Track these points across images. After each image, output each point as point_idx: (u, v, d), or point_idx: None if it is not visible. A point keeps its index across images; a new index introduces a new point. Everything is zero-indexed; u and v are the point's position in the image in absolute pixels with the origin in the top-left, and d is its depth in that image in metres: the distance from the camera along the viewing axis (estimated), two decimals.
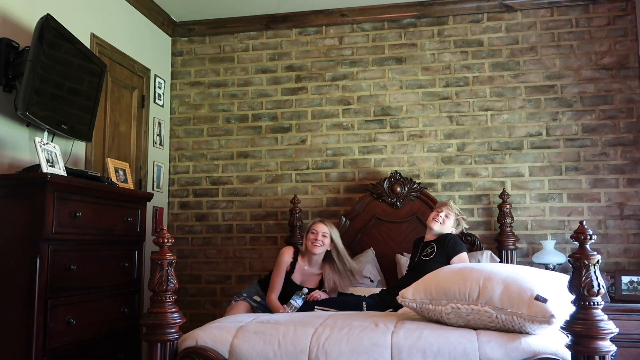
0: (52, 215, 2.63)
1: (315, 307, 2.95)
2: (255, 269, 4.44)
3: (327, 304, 2.96)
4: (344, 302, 2.93)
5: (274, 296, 3.24)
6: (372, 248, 4.00)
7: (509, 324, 2.03)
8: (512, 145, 4.15)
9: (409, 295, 2.29)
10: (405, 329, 2.10)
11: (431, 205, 4.01)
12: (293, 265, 3.35)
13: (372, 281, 3.69)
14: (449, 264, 2.97)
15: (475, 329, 2.11)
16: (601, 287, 1.80)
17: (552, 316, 1.93)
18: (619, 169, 3.98)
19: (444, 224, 3.28)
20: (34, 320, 2.52)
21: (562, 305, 1.99)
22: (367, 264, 3.78)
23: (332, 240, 3.38)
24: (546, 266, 3.76)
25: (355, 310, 2.85)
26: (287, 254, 3.36)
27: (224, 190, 4.56)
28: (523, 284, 2.06)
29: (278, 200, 4.47)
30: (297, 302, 3.07)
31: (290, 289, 3.23)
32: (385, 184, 4.10)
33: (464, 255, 3.08)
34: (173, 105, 4.75)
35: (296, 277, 3.35)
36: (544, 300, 1.97)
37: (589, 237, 1.84)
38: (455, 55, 4.30)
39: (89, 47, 3.57)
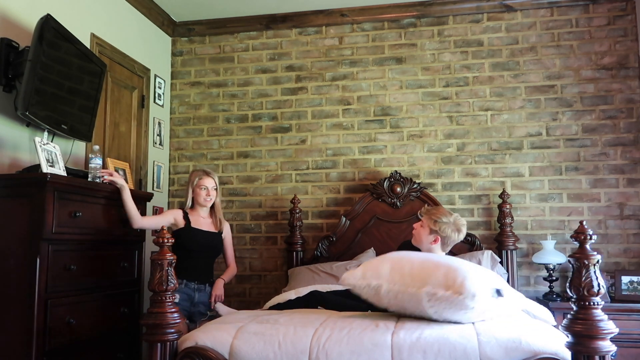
0: (52, 215, 2.63)
1: (319, 306, 2.95)
2: (255, 269, 4.45)
3: (331, 305, 2.94)
4: (347, 307, 2.92)
5: (144, 218, 3.26)
6: (372, 248, 4.00)
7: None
8: (512, 145, 4.15)
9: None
10: (406, 329, 2.10)
11: (431, 205, 4.01)
12: (187, 220, 3.37)
13: None
14: None
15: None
16: (601, 287, 1.80)
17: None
18: (619, 169, 3.98)
19: (415, 234, 2.96)
20: (34, 320, 2.52)
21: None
22: None
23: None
24: (546, 266, 3.76)
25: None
26: (177, 211, 3.40)
27: (224, 190, 4.56)
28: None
29: (278, 200, 4.47)
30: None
31: (201, 238, 3.34)
32: (385, 184, 4.10)
33: None
34: (173, 105, 4.75)
35: (198, 226, 3.41)
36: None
37: (589, 237, 1.84)
38: (455, 55, 4.30)
39: (89, 47, 3.57)
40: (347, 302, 2.95)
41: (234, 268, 3.59)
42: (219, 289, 3.38)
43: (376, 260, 2.38)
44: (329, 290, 3.19)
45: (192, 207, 3.45)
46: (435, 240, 2.85)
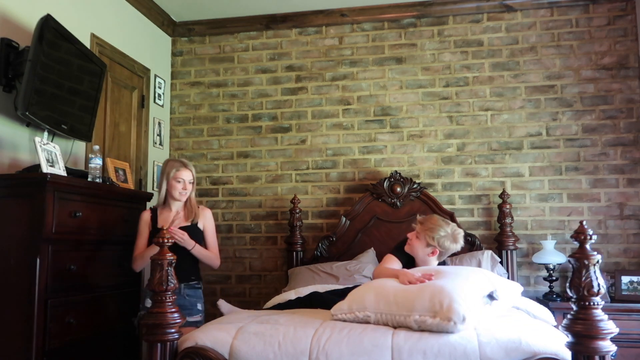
0: (52, 215, 2.63)
1: (318, 307, 2.95)
2: (255, 269, 4.44)
3: (330, 307, 2.91)
4: None
5: (137, 254, 3.05)
6: (372, 248, 4.00)
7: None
8: (512, 145, 4.15)
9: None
10: (406, 330, 2.11)
11: (431, 205, 4.02)
12: (154, 219, 3.09)
13: None
14: None
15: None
16: (601, 287, 1.80)
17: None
18: (619, 169, 3.98)
19: (411, 245, 2.85)
20: (34, 320, 2.52)
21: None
22: (369, 264, 3.78)
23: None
24: (546, 266, 3.76)
25: None
26: (145, 215, 3.11)
27: (224, 190, 4.57)
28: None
29: (278, 200, 4.47)
30: None
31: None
32: (385, 184, 4.10)
33: (386, 256, 2.93)
34: (173, 105, 4.75)
35: (163, 224, 3.09)
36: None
37: (589, 237, 1.84)
38: (455, 55, 4.30)
39: (89, 47, 3.56)
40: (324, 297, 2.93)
41: (215, 256, 3.18)
42: (182, 232, 2.97)
43: (360, 290, 2.37)
44: (328, 290, 3.19)
45: (165, 201, 3.14)
46: (433, 253, 2.81)
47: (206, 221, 3.20)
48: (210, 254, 3.16)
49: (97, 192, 3.02)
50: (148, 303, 2.86)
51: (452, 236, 2.79)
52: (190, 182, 3.12)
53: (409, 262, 2.87)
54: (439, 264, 2.88)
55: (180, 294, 2.97)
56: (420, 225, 2.83)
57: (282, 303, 3.10)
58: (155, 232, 2.92)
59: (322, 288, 3.31)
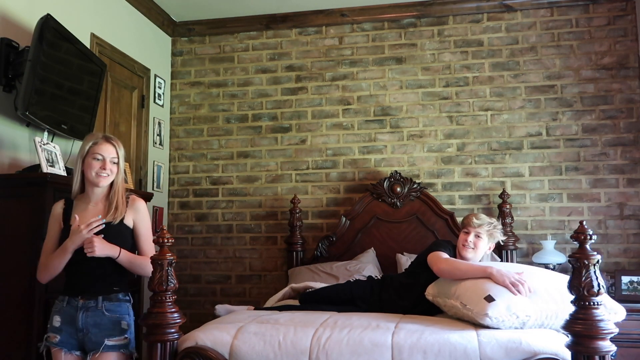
0: None
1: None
2: (255, 269, 4.44)
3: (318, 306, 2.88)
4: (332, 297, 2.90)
5: (41, 260, 2.29)
6: (372, 248, 4.00)
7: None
8: (512, 145, 4.15)
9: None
10: (406, 330, 2.11)
11: (431, 205, 4.02)
12: (68, 213, 2.30)
13: None
14: (424, 266, 2.75)
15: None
16: (601, 287, 1.80)
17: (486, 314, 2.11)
18: (619, 169, 3.98)
19: (477, 247, 2.77)
20: (34, 320, 2.52)
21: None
22: (369, 264, 3.79)
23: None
24: (546, 266, 3.76)
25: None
26: (57, 206, 2.34)
27: (224, 190, 4.57)
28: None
29: (278, 200, 4.47)
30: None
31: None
32: (385, 184, 4.10)
33: (435, 253, 2.70)
34: (173, 105, 4.75)
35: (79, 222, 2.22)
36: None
37: (589, 237, 1.84)
38: (455, 55, 4.30)
39: (89, 47, 3.56)
40: (324, 307, 2.87)
41: (149, 262, 2.11)
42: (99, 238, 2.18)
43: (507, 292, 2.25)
44: (320, 287, 3.15)
45: (84, 190, 2.34)
46: (490, 248, 2.90)
47: (138, 215, 2.35)
48: (142, 261, 2.29)
49: None
50: (56, 322, 2.25)
51: (500, 228, 2.95)
52: (113, 162, 2.30)
53: None
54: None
55: (97, 309, 2.22)
56: (480, 226, 2.80)
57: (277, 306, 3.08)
58: (67, 231, 2.24)
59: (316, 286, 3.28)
